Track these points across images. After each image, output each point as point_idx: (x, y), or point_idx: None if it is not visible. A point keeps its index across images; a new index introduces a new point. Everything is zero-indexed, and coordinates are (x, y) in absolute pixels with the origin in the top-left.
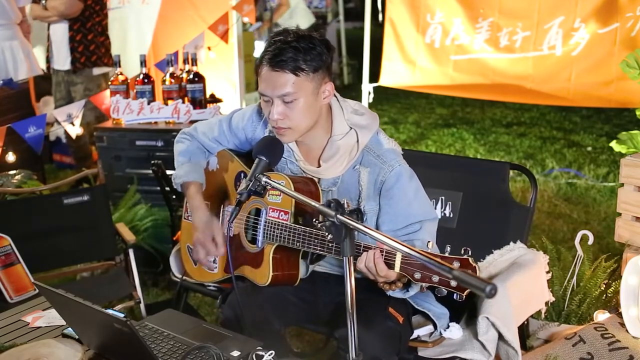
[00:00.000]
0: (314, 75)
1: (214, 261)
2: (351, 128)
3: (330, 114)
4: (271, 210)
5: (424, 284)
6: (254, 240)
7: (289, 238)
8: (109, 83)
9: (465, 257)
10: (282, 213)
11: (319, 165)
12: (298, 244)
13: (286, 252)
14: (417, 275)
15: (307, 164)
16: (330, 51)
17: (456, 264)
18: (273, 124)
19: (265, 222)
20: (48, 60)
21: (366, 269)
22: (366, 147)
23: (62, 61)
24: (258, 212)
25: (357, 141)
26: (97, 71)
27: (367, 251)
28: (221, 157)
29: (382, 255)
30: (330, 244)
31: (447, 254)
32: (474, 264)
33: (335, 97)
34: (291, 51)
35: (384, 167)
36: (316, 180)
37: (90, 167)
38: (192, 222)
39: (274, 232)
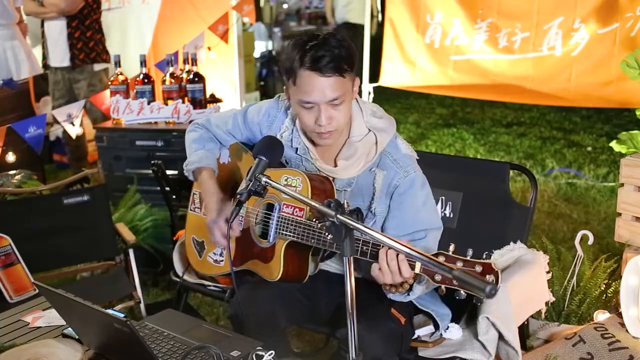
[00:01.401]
0: (351, 73)
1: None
2: (370, 130)
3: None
4: (285, 206)
5: (443, 286)
6: (264, 235)
7: (303, 234)
8: (109, 83)
9: (487, 261)
10: (296, 209)
11: (335, 165)
12: (313, 241)
13: (297, 249)
14: (438, 277)
15: (322, 162)
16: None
17: (478, 268)
18: (320, 130)
19: (279, 217)
20: (44, 56)
21: (387, 269)
22: (384, 150)
23: (60, 58)
24: (269, 207)
25: (376, 143)
26: (97, 67)
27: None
28: (234, 151)
29: (405, 255)
30: None
31: (469, 257)
32: (496, 269)
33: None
34: (334, 54)
35: (400, 172)
36: (331, 179)
37: (86, 167)
38: (206, 207)
39: (287, 227)
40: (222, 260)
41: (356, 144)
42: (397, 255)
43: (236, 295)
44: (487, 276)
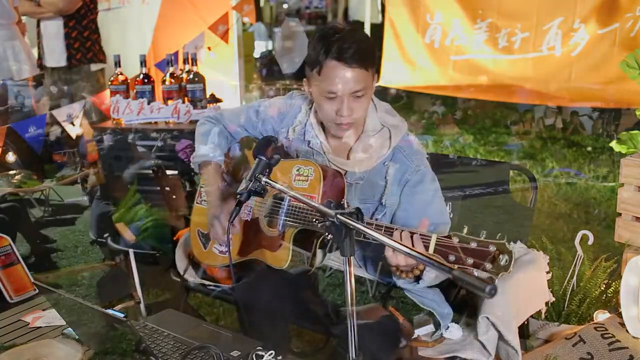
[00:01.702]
0: (373, 68)
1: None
2: (383, 126)
3: None
4: None
5: (456, 267)
6: (271, 224)
7: (313, 222)
8: (109, 83)
9: (501, 241)
10: (307, 197)
11: (348, 158)
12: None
13: (305, 239)
14: (452, 258)
15: (335, 156)
16: None
17: (492, 248)
18: (340, 121)
19: (289, 206)
20: (40, 57)
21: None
22: (397, 145)
23: (57, 58)
24: (278, 196)
25: (390, 139)
26: (94, 67)
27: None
28: (244, 144)
29: (419, 236)
30: None
31: (482, 238)
32: (509, 248)
33: None
34: (360, 46)
35: (412, 166)
36: (342, 173)
37: (86, 167)
38: (208, 201)
39: (297, 216)
40: (227, 251)
41: (370, 138)
42: (412, 235)
43: (245, 281)
44: (501, 256)
